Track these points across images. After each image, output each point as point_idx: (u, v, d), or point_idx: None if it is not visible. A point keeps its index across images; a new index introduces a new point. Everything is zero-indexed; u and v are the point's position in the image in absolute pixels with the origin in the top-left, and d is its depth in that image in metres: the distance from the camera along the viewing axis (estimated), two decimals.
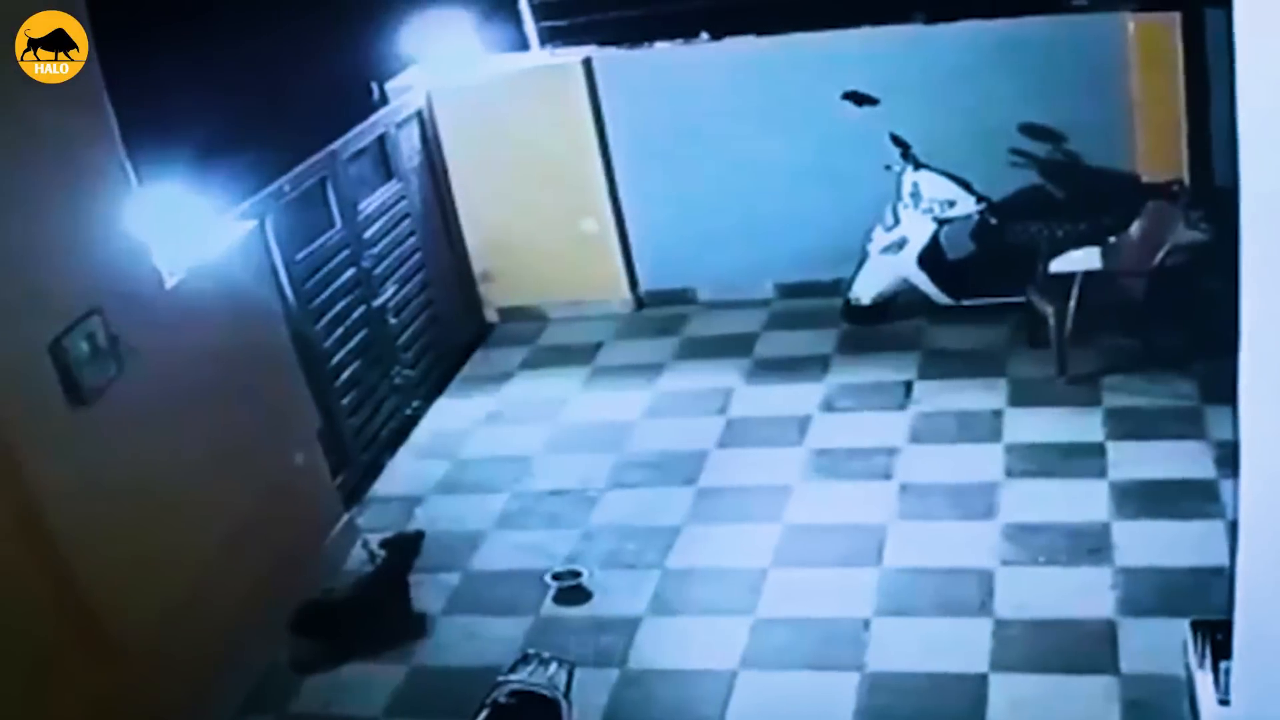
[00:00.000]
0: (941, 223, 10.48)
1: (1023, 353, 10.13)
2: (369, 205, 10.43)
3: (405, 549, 8.52)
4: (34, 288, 6.50)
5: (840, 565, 8.18)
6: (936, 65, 10.61)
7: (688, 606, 8.08)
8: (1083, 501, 8.34)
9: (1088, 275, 9.38)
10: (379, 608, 8.21)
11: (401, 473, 9.98)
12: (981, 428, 9.33)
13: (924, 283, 10.64)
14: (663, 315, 11.84)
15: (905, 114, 10.58)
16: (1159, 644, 6.94)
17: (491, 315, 12.23)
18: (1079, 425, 9.14)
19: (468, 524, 9.05)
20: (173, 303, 7.46)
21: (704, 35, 11.13)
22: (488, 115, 11.47)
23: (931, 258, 10.61)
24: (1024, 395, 9.63)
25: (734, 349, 11.04)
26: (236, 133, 8.24)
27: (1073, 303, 9.43)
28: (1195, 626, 6.43)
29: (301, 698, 7.80)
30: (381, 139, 10.75)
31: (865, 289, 10.90)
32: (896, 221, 10.58)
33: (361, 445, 9.95)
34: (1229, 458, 7.26)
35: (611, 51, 11.36)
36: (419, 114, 11.42)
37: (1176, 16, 10.07)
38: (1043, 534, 8.09)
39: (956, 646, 7.32)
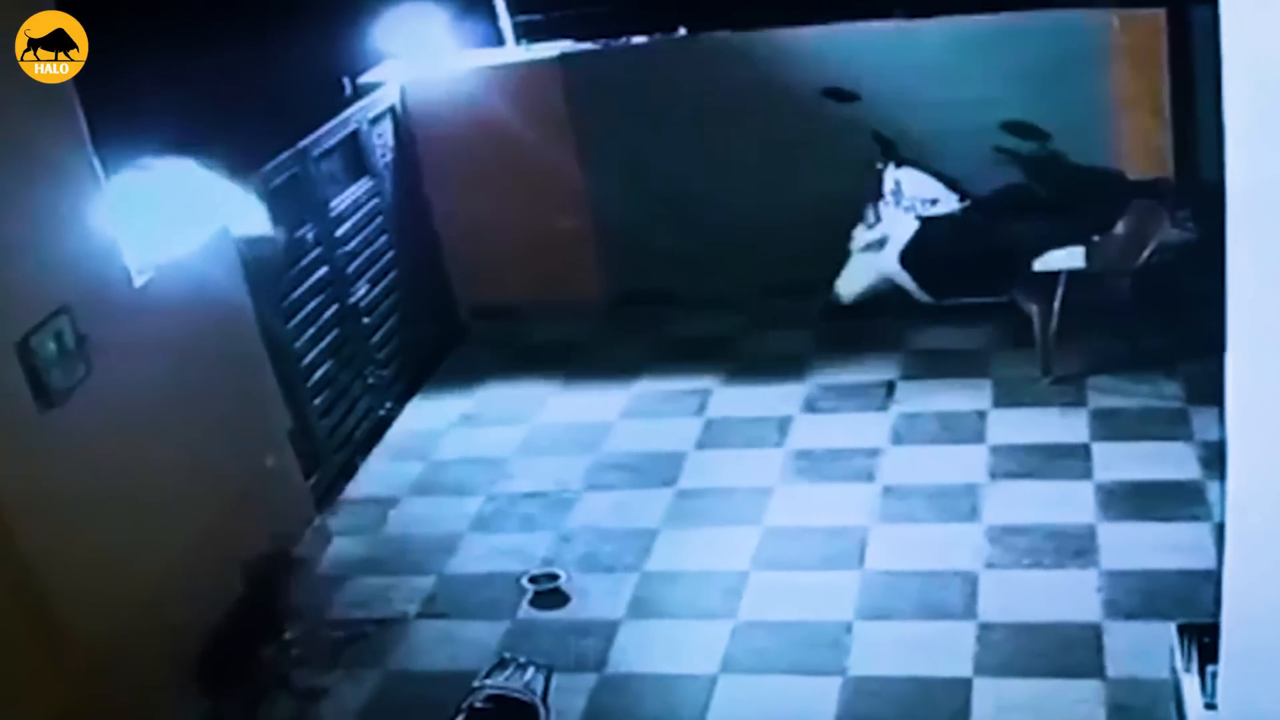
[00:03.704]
0: (924, 221, 10.40)
1: (1006, 353, 10.10)
2: (341, 203, 10.32)
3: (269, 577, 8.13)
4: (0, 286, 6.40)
5: (822, 568, 8.13)
6: (919, 61, 10.56)
7: (667, 610, 8.02)
8: (1068, 503, 8.30)
9: (1072, 274, 9.36)
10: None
11: (375, 474, 9.91)
12: (965, 428, 9.29)
13: (906, 282, 10.58)
14: (640, 315, 11.76)
15: (887, 110, 10.54)
16: (1145, 647, 6.91)
17: (466, 314, 12.14)
18: (1064, 426, 9.11)
19: (442, 526, 8.97)
20: (142, 302, 7.39)
21: (681, 30, 11.08)
22: (462, 111, 11.37)
23: (914, 256, 10.53)
24: (1008, 396, 9.59)
25: (713, 349, 10.98)
26: (206, 130, 8.13)
27: (1057, 302, 9.41)
28: (1182, 630, 6.38)
29: (275, 704, 7.69)
30: (354, 135, 10.63)
31: (847, 288, 10.84)
32: (878, 219, 10.53)
33: (334, 447, 9.86)
34: (1216, 459, 7.26)
35: (588, 47, 11.31)
36: (392, 110, 11.33)
37: (1162, 12, 10.05)
38: (1027, 536, 8.05)
39: (940, 650, 7.27)
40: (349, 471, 9.91)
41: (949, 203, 10.37)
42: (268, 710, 7.65)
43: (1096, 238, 9.60)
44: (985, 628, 7.37)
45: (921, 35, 10.51)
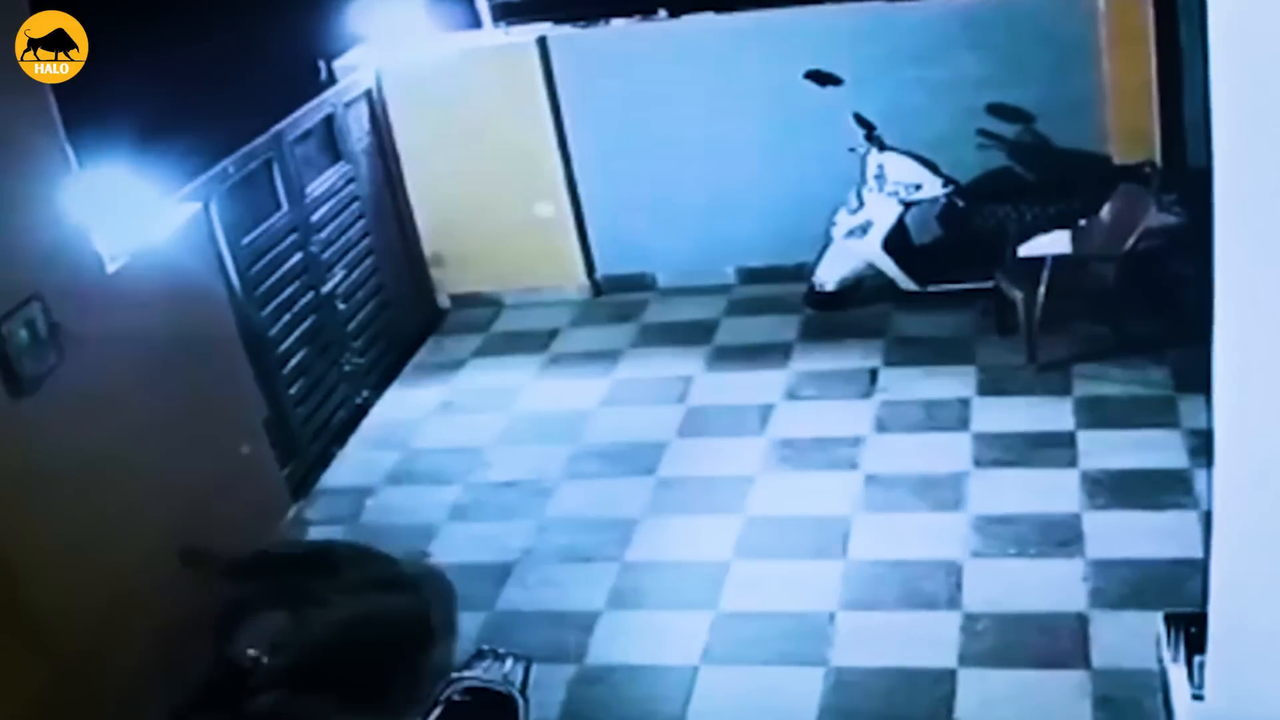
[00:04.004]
0: (907, 206, 10.36)
1: (991, 339, 10.05)
2: (317, 188, 10.24)
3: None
4: None
5: (804, 558, 8.07)
6: (902, 44, 10.51)
7: (647, 600, 7.97)
8: (1053, 492, 8.25)
9: (1057, 260, 9.29)
10: None
11: (351, 463, 9.84)
12: (949, 416, 9.24)
13: (889, 267, 10.52)
14: (620, 301, 11.71)
15: (869, 94, 10.48)
16: (1131, 638, 6.88)
17: (444, 301, 12.08)
18: (1049, 414, 9.06)
19: (420, 516, 8.91)
20: (115, 289, 7.32)
21: (662, 13, 11.01)
22: (439, 95, 11.28)
23: (897, 242, 10.48)
24: (993, 383, 9.54)
25: (694, 336, 10.92)
26: (179, 113, 8.06)
27: (1042, 288, 9.34)
28: (1169, 619, 6.35)
29: (250, 698, 7.58)
30: (329, 120, 10.56)
31: (829, 274, 10.78)
32: (861, 205, 10.46)
33: (310, 435, 9.79)
34: (1203, 447, 7.17)
35: (567, 29, 11.22)
36: (368, 94, 11.26)
37: None
38: (1012, 525, 8.00)
39: (924, 641, 7.23)
40: (325, 460, 9.83)
41: (933, 187, 10.29)
42: (242, 705, 7.57)
43: (1082, 222, 9.58)
44: (970, 618, 7.32)
45: (905, 17, 10.44)
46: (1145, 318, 9.62)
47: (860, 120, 10.30)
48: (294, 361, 9.66)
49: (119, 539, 7.16)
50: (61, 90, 6.89)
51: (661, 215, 11.43)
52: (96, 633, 6.88)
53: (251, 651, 7.52)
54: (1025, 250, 9.40)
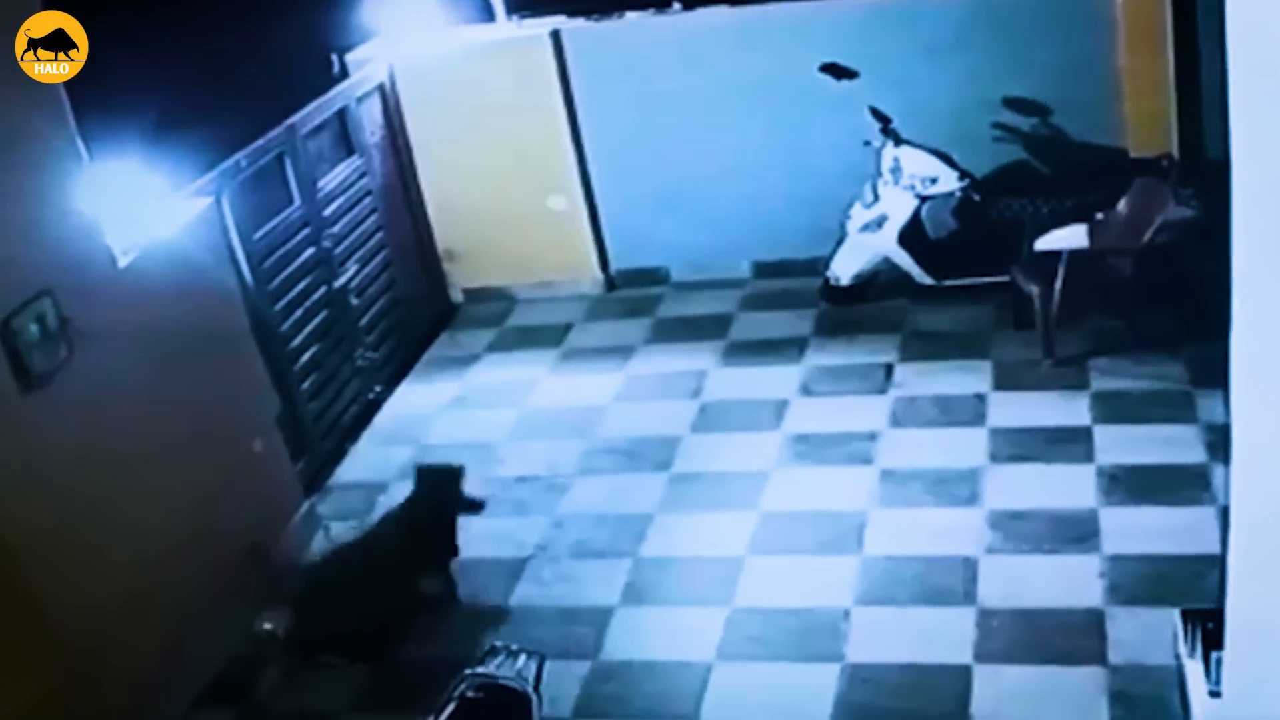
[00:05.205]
0: (923, 199, 10.31)
1: (1007, 334, 10.01)
2: (329, 182, 10.23)
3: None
4: None
5: (819, 553, 8.03)
6: (918, 36, 10.48)
7: (661, 596, 7.94)
8: (1069, 487, 8.20)
9: (1074, 254, 9.23)
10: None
11: (364, 459, 9.83)
12: (965, 411, 9.20)
13: (905, 262, 10.49)
14: (634, 296, 11.70)
15: (885, 87, 10.43)
16: (1148, 634, 6.86)
17: (457, 296, 12.08)
18: (1065, 409, 9.02)
19: None
20: (126, 283, 7.30)
21: (676, 5, 11.00)
22: (452, 89, 11.30)
23: (913, 236, 10.44)
24: (1008, 378, 9.50)
25: (708, 330, 10.90)
26: (191, 107, 8.09)
27: (1059, 282, 9.29)
28: (1185, 615, 6.33)
29: (264, 691, 7.61)
30: (342, 113, 10.55)
31: (844, 268, 10.75)
32: (876, 198, 10.42)
33: (322, 431, 9.78)
34: (1220, 442, 7.16)
35: (581, 22, 11.21)
36: (381, 88, 11.25)
37: None
38: (1028, 521, 7.96)
39: (939, 637, 7.20)
40: (338, 456, 9.82)
41: (949, 181, 10.25)
42: (257, 699, 7.56)
43: (1099, 216, 9.49)
44: (986, 614, 7.28)
45: (921, 10, 10.43)
46: (1162, 312, 9.56)
47: (876, 114, 10.26)
48: (306, 357, 9.65)
49: (129, 535, 7.16)
50: (73, 84, 6.86)
51: (675, 209, 11.39)
52: (104, 629, 6.86)
53: (267, 626, 7.61)
54: (1041, 244, 9.35)
